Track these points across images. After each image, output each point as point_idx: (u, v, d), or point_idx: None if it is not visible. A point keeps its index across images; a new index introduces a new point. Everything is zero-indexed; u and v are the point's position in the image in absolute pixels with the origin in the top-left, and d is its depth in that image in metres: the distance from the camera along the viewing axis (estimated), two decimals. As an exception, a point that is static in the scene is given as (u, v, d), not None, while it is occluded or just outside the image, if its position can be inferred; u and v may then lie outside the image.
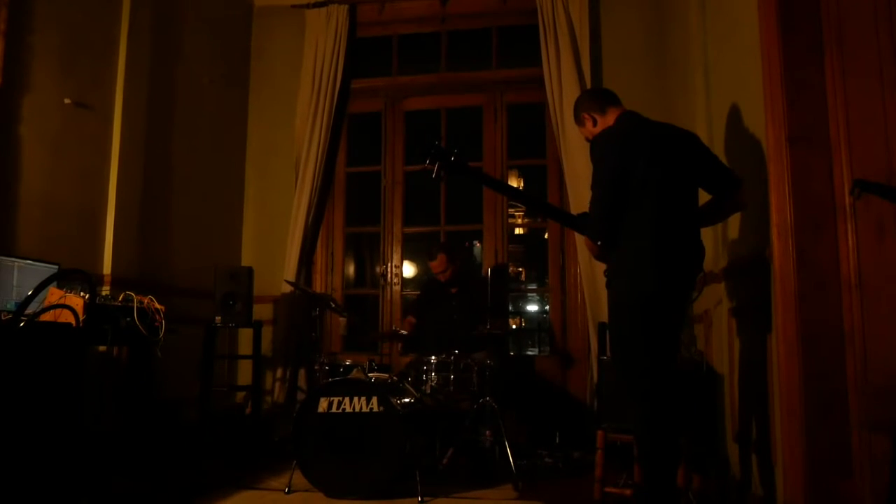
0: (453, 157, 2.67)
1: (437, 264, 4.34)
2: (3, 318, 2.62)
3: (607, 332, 2.87)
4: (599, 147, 2.58)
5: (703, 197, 2.71)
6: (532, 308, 15.88)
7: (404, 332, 4.32)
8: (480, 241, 5.41)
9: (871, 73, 2.04)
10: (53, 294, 2.80)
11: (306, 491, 3.17)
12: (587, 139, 2.75)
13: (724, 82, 3.28)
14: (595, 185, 2.55)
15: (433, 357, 3.63)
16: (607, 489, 3.04)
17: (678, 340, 2.61)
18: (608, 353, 2.99)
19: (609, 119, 2.67)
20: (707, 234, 3.22)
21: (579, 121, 2.79)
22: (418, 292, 4.81)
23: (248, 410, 4.52)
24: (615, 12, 4.85)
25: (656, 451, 2.35)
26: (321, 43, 5.06)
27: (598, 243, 2.52)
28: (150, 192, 4.15)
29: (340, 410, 3.17)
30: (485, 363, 3.67)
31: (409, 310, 4.71)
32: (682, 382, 3.14)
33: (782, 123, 2.37)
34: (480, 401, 3.61)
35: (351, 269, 8.22)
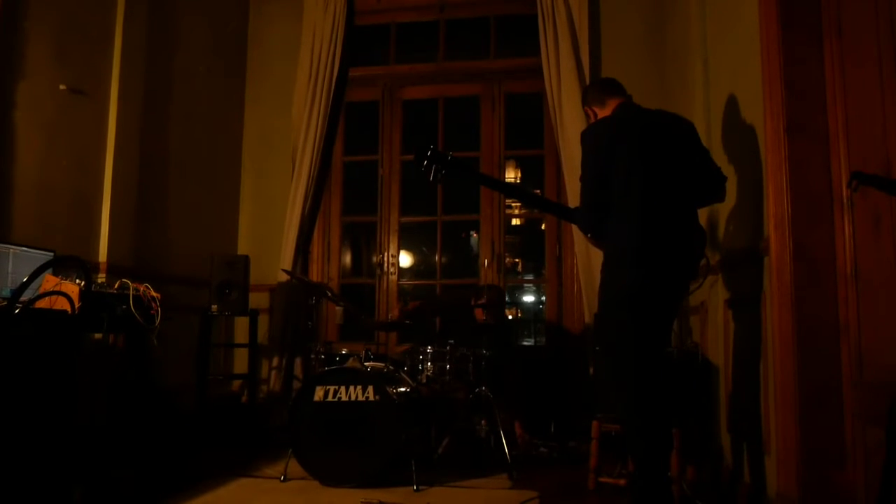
0: (449, 157, 2.68)
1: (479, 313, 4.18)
2: (-2, 304, 2.61)
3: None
4: (587, 137, 2.59)
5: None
6: (528, 298, 15.87)
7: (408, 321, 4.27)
8: (477, 232, 5.41)
9: (869, 63, 2.04)
10: (49, 281, 2.79)
11: (302, 479, 3.18)
12: None
13: (723, 72, 3.27)
14: (582, 177, 2.56)
15: (429, 347, 3.63)
16: (602, 479, 3.05)
17: (668, 331, 2.61)
18: (603, 343, 3.00)
19: (608, 110, 2.68)
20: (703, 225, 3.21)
21: (586, 115, 2.84)
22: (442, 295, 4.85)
23: (244, 399, 4.53)
24: (614, 1, 4.83)
25: (643, 442, 2.36)
26: (319, 31, 5.02)
27: (589, 235, 2.53)
28: (146, 179, 4.13)
29: (336, 399, 3.17)
30: (481, 353, 3.68)
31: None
32: (675, 373, 3.15)
33: (780, 114, 2.36)
34: (476, 390, 3.62)
35: (348, 259, 8.22)
